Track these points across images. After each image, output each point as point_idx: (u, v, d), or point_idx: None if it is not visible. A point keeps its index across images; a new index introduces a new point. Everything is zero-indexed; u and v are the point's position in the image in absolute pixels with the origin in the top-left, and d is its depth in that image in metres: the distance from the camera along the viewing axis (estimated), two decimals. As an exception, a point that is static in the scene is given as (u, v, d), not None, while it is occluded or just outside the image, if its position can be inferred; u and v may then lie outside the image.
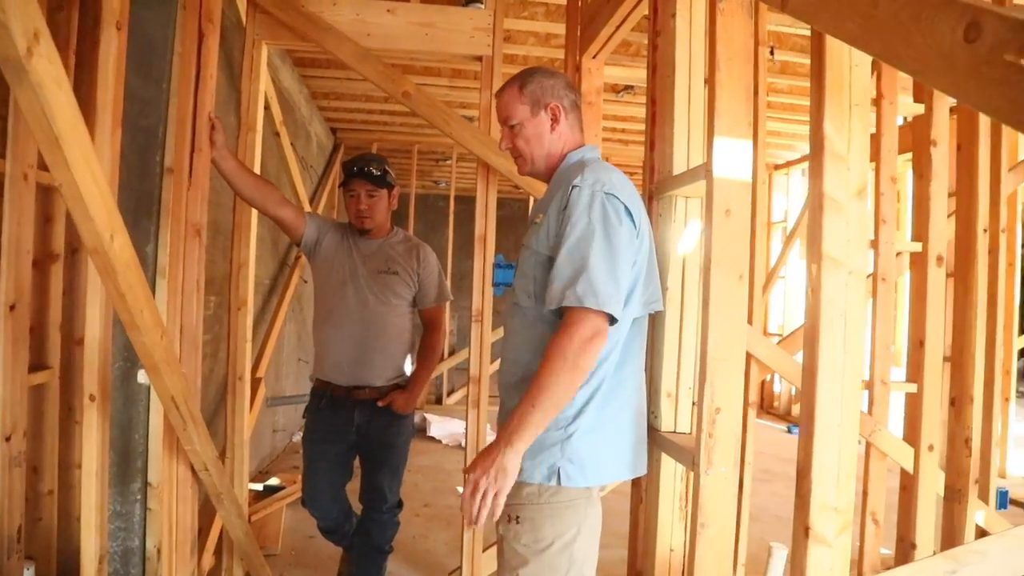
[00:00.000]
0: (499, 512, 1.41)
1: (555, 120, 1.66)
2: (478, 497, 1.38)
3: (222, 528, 2.83)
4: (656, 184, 1.86)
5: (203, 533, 2.92)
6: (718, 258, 1.49)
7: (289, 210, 2.44)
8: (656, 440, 1.78)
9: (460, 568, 2.84)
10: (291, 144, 4.82)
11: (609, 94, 5.26)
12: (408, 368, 2.63)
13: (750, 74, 1.55)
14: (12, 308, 2.01)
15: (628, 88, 5.31)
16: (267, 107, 3.99)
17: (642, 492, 1.92)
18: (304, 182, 5.38)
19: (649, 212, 1.91)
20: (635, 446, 1.62)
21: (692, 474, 1.54)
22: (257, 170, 2.83)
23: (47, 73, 1.03)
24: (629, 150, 7.11)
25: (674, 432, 1.77)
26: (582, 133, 1.74)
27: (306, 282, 5.39)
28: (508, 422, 1.41)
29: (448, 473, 4.82)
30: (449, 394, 7.64)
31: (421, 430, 6.15)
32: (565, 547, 1.52)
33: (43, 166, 2.24)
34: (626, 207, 1.49)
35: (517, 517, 1.55)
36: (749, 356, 2.76)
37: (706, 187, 1.53)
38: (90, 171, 1.21)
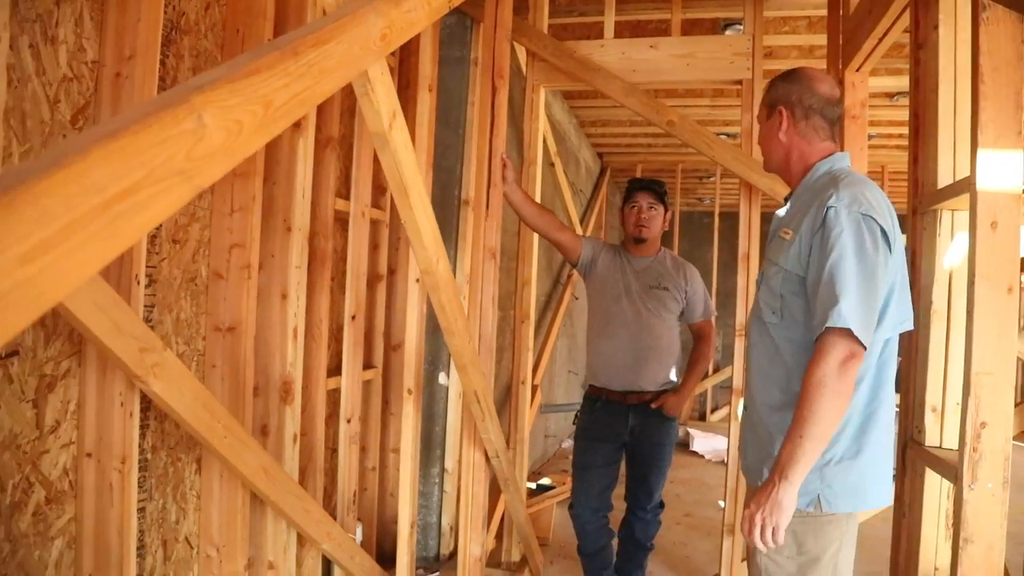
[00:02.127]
0: (780, 542, 1.42)
1: (780, 125, 1.65)
2: (756, 532, 1.42)
3: (503, 515, 3.23)
4: (920, 198, 1.87)
5: (488, 517, 3.35)
6: (984, 271, 1.49)
7: (567, 234, 2.76)
8: (920, 454, 1.78)
9: (719, 574, 2.94)
10: (563, 171, 5.24)
11: (883, 99, 4.99)
12: (674, 377, 2.81)
13: (1019, 82, 1.53)
14: (353, 318, 2.55)
15: (902, 94, 5.00)
16: (544, 140, 4.43)
17: (904, 509, 1.91)
18: (575, 205, 5.79)
19: (912, 226, 1.92)
20: (890, 471, 1.58)
21: (956, 489, 1.55)
22: (537, 199, 3.21)
23: (400, 141, 1.40)
24: (907, 155, 6.60)
25: (939, 447, 1.76)
26: (832, 141, 1.68)
27: (576, 299, 5.78)
28: (779, 457, 1.43)
29: (709, 487, 4.87)
30: (713, 411, 7.61)
31: (684, 444, 6.24)
32: (830, 559, 1.53)
33: (374, 204, 2.80)
34: (883, 229, 1.46)
35: None
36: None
37: (970, 200, 1.54)
38: (425, 211, 1.59)
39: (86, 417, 1.64)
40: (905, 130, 5.80)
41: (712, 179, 8.10)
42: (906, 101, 5.12)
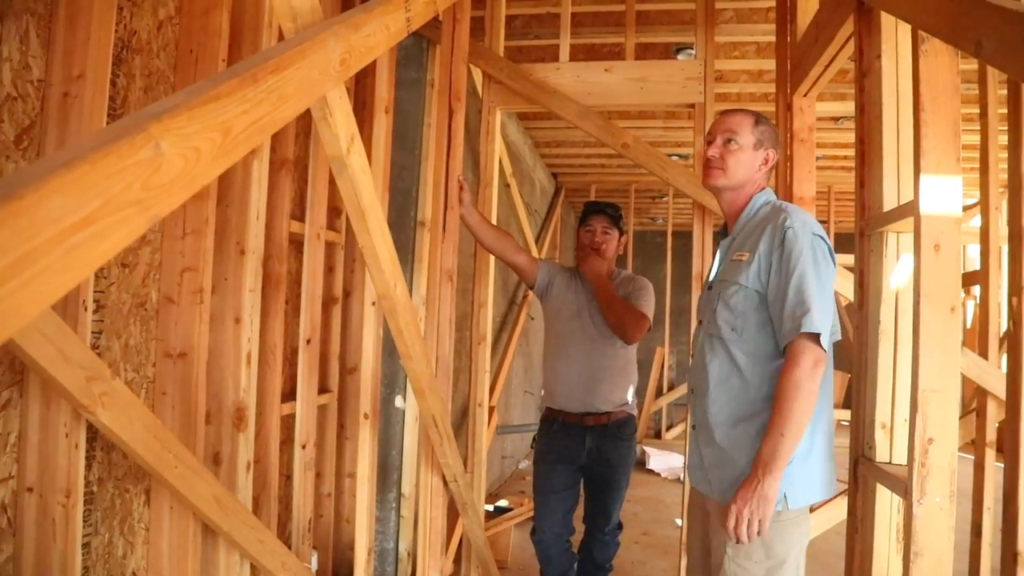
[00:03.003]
0: (764, 533, 1.56)
1: (765, 164, 1.84)
2: (743, 526, 1.54)
3: (460, 539, 3.20)
4: (867, 220, 1.93)
5: (446, 542, 3.31)
6: (928, 291, 1.54)
7: (524, 256, 2.77)
8: (870, 470, 1.82)
9: (679, 593, 2.96)
10: (519, 192, 5.27)
11: (829, 123, 5.16)
12: (630, 397, 2.82)
13: (956, 111, 1.59)
14: (308, 341, 2.51)
15: (847, 117, 5.17)
16: (499, 161, 4.45)
17: (857, 523, 1.95)
18: (530, 225, 5.82)
19: (860, 247, 1.98)
20: (833, 466, 1.75)
21: (906, 504, 1.58)
22: (493, 220, 3.22)
23: (358, 164, 1.40)
24: (853, 176, 6.82)
25: (889, 463, 1.80)
26: (768, 182, 1.90)
27: (532, 319, 5.79)
28: (759, 454, 1.57)
29: (666, 505, 4.90)
30: (668, 428, 7.68)
31: (640, 463, 6.27)
32: (795, 559, 1.66)
33: (330, 226, 2.77)
34: (829, 248, 1.66)
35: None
36: (985, 393, 2.62)
37: (914, 223, 1.59)
38: (382, 235, 1.58)
39: (28, 450, 1.58)
40: (850, 152, 6.02)
41: (665, 199, 8.24)
42: (851, 124, 5.31)
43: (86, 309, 1.58)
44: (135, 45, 1.85)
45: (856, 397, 1.99)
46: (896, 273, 1.83)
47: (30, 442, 1.57)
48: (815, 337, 1.56)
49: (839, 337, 1.75)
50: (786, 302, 1.60)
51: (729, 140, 1.80)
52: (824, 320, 1.57)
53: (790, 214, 1.67)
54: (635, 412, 2.82)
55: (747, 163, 1.81)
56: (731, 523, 1.56)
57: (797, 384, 1.55)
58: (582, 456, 2.71)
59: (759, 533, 1.54)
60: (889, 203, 1.82)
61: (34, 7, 1.54)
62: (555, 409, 2.77)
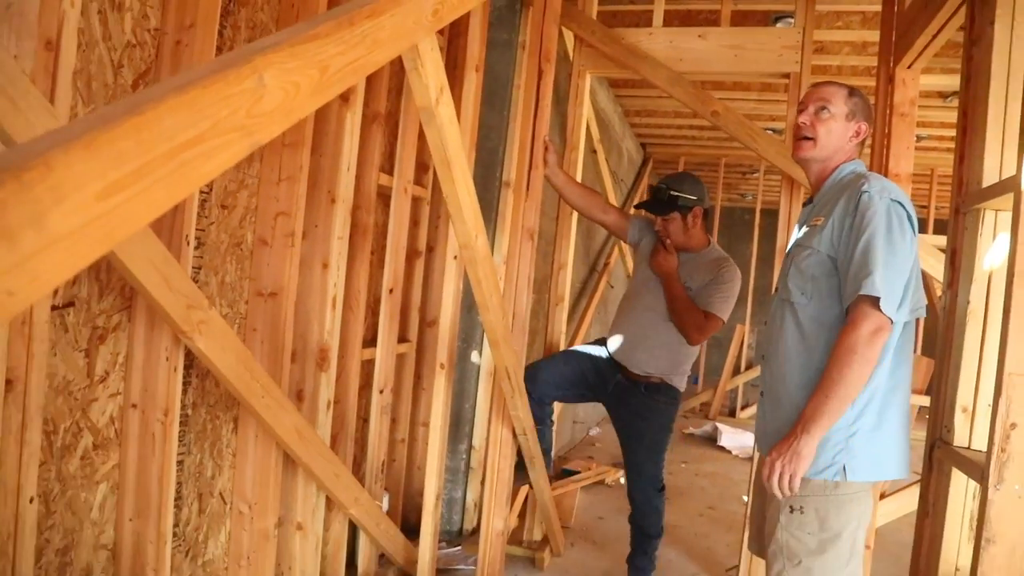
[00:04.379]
0: (795, 489, 1.56)
1: (856, 136, 1.80)
2: (775, 477, 1.57)
3: (526, 495, 3.28)
4: (963, 197, 1.85)
5: (511, 496, 3.40)
6: (1023, 270, 1.48)
7: (613, 214, 2.79)
8: (947, 454, 1.78)
9: (738, 566, 2.95)
10: (605, 159, 5.24)
11: (936, 100, 4.89)
12: (680, 380, 2.74)
13: (1073, 85, 1.51)
14: (391, 291, 2.60)
15: (956, 94, 4.88)
16: (587, 127, 4.44)
17: (928, 508, 1.91)
18: (616, 194, 5.79)
19: (954, 225, 1.91)
20: (907, 446, 1.70)
21: (982, 489, 1.54)
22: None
23: (446, 115, 1.44)
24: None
25: (967, 448, 1.75)
26: (859, 155, 1.85)
27: (612, 287, 5.78)
28: (803, 412, 1.56)
29: (734, 482, 4.86)
30: (743, 408, 7.56)
31: (712, 439, 6.23)
32: (850, 536, 1.63)
33: (417, 182, 2.84)
34: (909, 215, 1.60)
35: (801, 508, 1.66)
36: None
37: (1014, 199, 1.52)
38: (466, 186, 1.63)
39: (133, 369, 1.72)
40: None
41: (755, 175, 8.01)
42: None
43: (188, 244, 1.69)
44: (241, -2, 1.94)
45: (939, 379, 1.93)
46: (991, 252, 1.76)
47: (135, 362, 1.71)
48: (876, 302, 1.51)
49: (922, 314, 1.68)
50: (851, 264, 1.57)
51: (822, 108, 1.77)
52: (891, 287, 1.52)
53: (869, 179, 1.64)
54: (678, 385, 2.75)
55: (838, 133, 1.77)
56: (765, 473, 1.59)
57: (851, 348, 1.52)
58: (608, 384, 2.73)
59: (791, 489, 1.55)
60: (989, 179, 1.74)
61: (153, -43, 1.64)
62: (607, 347, 2.82)
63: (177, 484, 1.92)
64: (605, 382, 2.77)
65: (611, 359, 2.79)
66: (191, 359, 1.87)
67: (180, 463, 1.92)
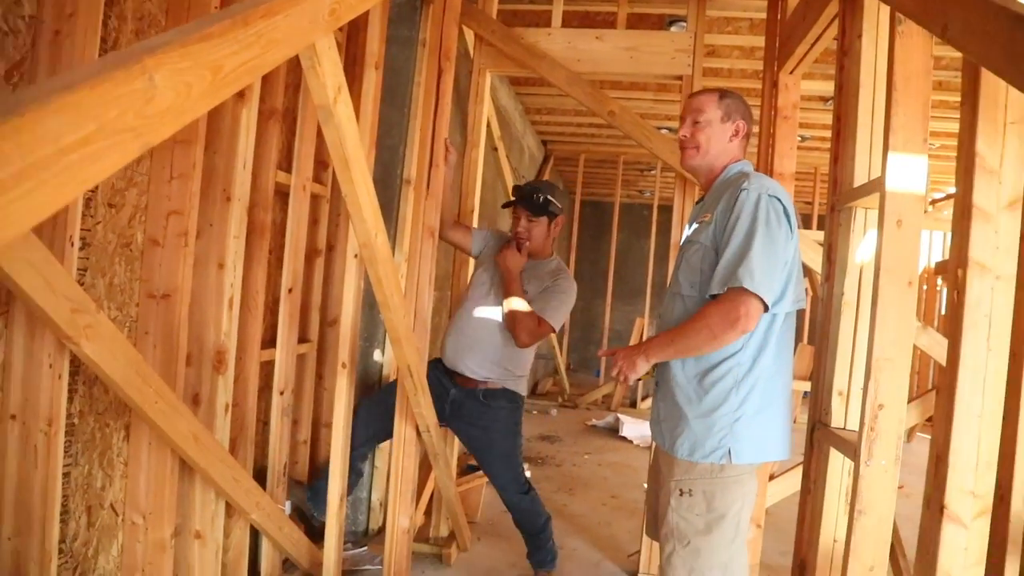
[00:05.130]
0: (630, 381, 1.83)
1: (736, 135, 1.90)
2: (615, 369, 1.80)
3: (432, 492, 3.29)
4: (838, 196, 1.99)
5: (417, 493, 3.40)
6: (888, 265, 1.61)
7: (459, 231, 2.83)
8: (826, 435, 1.91)
9: (639, 551, 3.07)
10: (506, 156, 5.29)
11: (817, 103, 5.19)
12: (504, 381, 2.73)
13: (927, 93, 1.64)
14: (290, 291, 2.55)
15: (838, 97, 5.21)
16: (488, 124, 4.47)
17: (810, 485, 2.04)
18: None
19: (830, 222, 2.04)
20: (788, 430, 1.82)
21: (854, 466, 1.67)
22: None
23: (344, 115, 1.43)
24: (841, 160, 6.85)
25: (843, 428, 1.89)
26: (744, 153, 1.95)
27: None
28: (651, 340, 1.78)
29: (635, 470, 5.03)
30: (644, 399, 7.81)
31: (614, 429, 6.40)
32: (735, 516, 1.74)
33: (316, 179, 2.79)
34: (785, 209, 1.70)
35: (690, 490, 1.76)
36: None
37: (880, 199, 1.65)
38: (366, 185, 1.62)
39: (12, 378, 1.62)
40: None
41: (653, 172, 8.28)
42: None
43: (72, 245, 1.62)
44: (127, -14, 1.86)
45: (817, 366, 2.07)
46: (862, 247, 1.90)
47: (14, 371, 1.62)
48: (745, 291, 1.60)
49: (803, 305, 1.81)
50: (724, 256, 1.67)
51: (697, 120, 1.89)
52: (766, 277, 1.61)
53: (751, 178, 1.74)
54: (518, 390, 2.79)
55: (717, 136, 1.88)
56: (613, 361, 1.81)
57: (708, 323, 1.64)
58: (444, 399, 2.70)
59: (626, 380, 1.80)
60: (860, 179, 1.88)
61: (28, -58, 1.55)
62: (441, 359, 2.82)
63: (64, 497, 1.83)
64: (440, 401, 2.69)
65: (441, 373, 2.76)
66: (77, 365, 1.78)
67: (66, 475, 1.83)
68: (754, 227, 1.65)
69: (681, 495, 1.77)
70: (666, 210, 8.02)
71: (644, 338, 8.04)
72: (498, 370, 2.70)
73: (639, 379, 1.85)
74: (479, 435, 2.75)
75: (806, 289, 2.03)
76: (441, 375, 2.77)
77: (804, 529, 2.04)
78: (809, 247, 3.03)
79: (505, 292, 2.65)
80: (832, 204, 2.03)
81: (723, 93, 1.91)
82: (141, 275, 2.02)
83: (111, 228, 1.90)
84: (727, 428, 1.71)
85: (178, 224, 2.01)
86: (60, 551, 1.82)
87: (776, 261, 1.65)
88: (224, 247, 2.19)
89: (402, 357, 2.12)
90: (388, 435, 2.69)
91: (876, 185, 1.71)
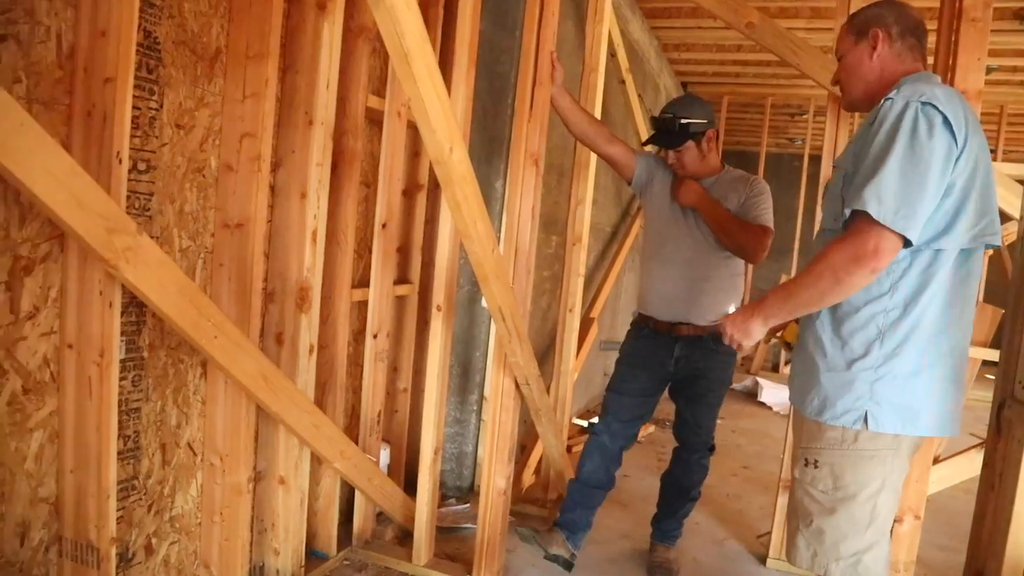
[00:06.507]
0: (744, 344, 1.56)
1: (874, 46, 1.56)
2: (725, 339, 1.58)
3: (544, 449, 3.06)
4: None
5: (527, 451, 3.18)
6: None
7: (619, 147, 2.46)
8: (1019, 415, 1.48)
9: (770, 533, 2.70)
10: (639, 95, 4.88)
11: (1009, 22, 4.38)
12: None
13: None
14: (384, 226, 2.36)
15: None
16: (614, 54, 4.08)
17: (995, 479, 1.61)
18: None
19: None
20: (956, 400, 1.47)
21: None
22: (597, 113, 2.92)
23: (399, -5, 1.17)
24: (1029, 94, 5.82)
25: (1046, 405, 1.45)
26: (921, 63, 1.57)
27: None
28: (765, 298, 1.51)
29: (773, 439, 4.58)
30: (787, 363, 7.21)
31: (752, 394, 5.93)
32: (869, 499, 1.46)
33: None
34: (945, 118, 1.31)
35: (816, 461, 1.51)
36: None
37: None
38: (434, 86, 1.36)
39: (68, 305, 1.52)
40: (1032, 61, 5.13)
41: (804, 116, 7.52)
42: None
43: (120, 162, 1.46)
44: None
45: (1011, 326, 1.62)
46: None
47: (70, 297, 1.51)
48: (873, 222, 1.30)
49: (994, 242, 1.42)
50: (856, 176, 1.36)
51: (840, 57, 1.64)
52: (897, 202, 1.29)
53: (903, 85, 1.41)
54: None
55: (855, 63, 1.59)
56: (722, 327, 1.59)
57: (830, 264, 1.34)
58: (668, 365, 2.43)
59: (740, 348, 1.59)
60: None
61: None
62: (646, 315, 2.50)
63: (135, 433, 1.74)
64: (663, 368, 2.45)
65: (654, 331, 2.46)
66: (141, 295, 1.66)
67: (136, 410, 1.74)
68: (893, 140, 1.32)
69: (806, 466, 1.52)
70: (817, 161, 7.28)
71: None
72: (725, 307, 2.43)
73: (758, 344, 1.55)
74: (698, 385, 2.46)
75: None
76: (653, 335, 2.48)
77: (984, 532, 1.62)
78: (1000, 183, 2.48)
79: (712, 217, 2.35)
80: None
81: (855, 14, 1.64)
82: (216, 203, 1.88)
83: (180, 151, 1.76)
84: (866, 387, 1.42)
85: (251, 147, 1.84)
86: (133, 487, 1.75)
87: (924, 183, 1.30)
88: (306, 175, 2.01)
89: (492, 297, 1.87)
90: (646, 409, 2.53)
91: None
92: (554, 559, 2.41)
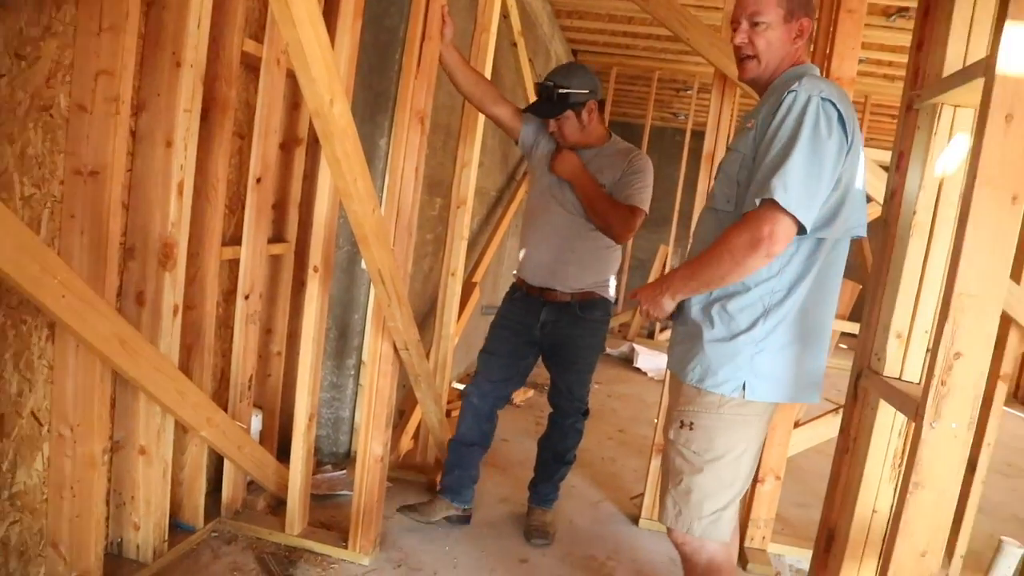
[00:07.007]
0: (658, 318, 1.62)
1: (800, 36, 1.58)
2: (640, 314, 1.60)
3: (422, 415, 3.02)
4: (919, 89, 1.59)
5: (405, 416, 3.13)
6: (988, 173, 1.22)
7: (507, 109, 2.41)
8: (875, 384, 1.57)
9: (643, 494, 2.80)
10: (529, 60, 4.83)
11: (877, 17, 4.63)
12: (610, 289, 2.53)
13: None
14: (259, 181, 2.22)
15: (902, 12, 4.60)
16: (506, 16, 4.01)
17: (849, 443, 1.72)
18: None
19: (904, 125, 1.66)
20: (820, 372, 1.58)
21: (913, 427, 1.33)
22: (488, 74, 2.85)
23: (277, -76, 1.06)
24: (895, 88, 6.22)
25: (899, 379, 1.55)
26: (808, 56, 1.66)
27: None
28: (672, 276, 1.57)
29: (647, 404, 4.75)
30: (662, 330, 7.49)
31: (628, 360, 6.12)
32: (735, 460, 1.56)
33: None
34: (840, 115, 1.40)
35: (692, 424, 1.58)
36: (1009, 320, 2.35)
37: (984, 86, 1.26)
38: (315, 31, 1.26)
39: None
40: (898, 57, 5.46)
41: (689, 92, 7.72)
42: (904, 24, 4.74)
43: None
44: None
45: (870, 301, 1.71)
46: (944, 156, 1.52)
47: None
48: (776, 208, 1.36)
49: (861, 232, 1.53)
50: (762, 166, 1.41)
51: (755, 22, 1.57)
52: (799, 193, 1.36)
53: (804, 80, 1.44)
54: (610, 296, 2.52)
55: (779, 41, 1.57)
56: (638, 298, 1.64)
57: (730, 246, 1.41)
58: (535, 329, 2.46)
59: (650, 319, 1.64)
60: (953, 67, 1.48)
61: None
62: (521, 278, 2.53)
63: (-34, 402, 1.56)
64: (530, 331, 2.48)
65: (526, 295, 2.50)
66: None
67: (-34, 376, 1.55)
68: (797, 133, 1.38)
69: (681, 427, 1.59)
70: (699, 136, 7.47)
71: (667, 266, 7.69)
72: (593, 277, 2.45)
73: (668, 319, 1.64)
74: (568, 347, 2.49)
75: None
76: (525, 298, 2.50)
77: (836, 493, 1.73)
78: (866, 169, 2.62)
79: (583, 192, 2.35)
80: (909, 102, 1.63)
81: None
82: (66, 147, 1.69)
83: (21, 85, 1.56)
84: (747, 359, 1.50)
85: (109, 87, 1.66)
86: (-37, 462, 1.57)
87: (821, 176, 1.39)
88: (173, 121, 1.85)
89: (371, 259, 1.79)
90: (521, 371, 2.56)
91: (978, 69, 1.31)
92: (448, 520, 2.49)
